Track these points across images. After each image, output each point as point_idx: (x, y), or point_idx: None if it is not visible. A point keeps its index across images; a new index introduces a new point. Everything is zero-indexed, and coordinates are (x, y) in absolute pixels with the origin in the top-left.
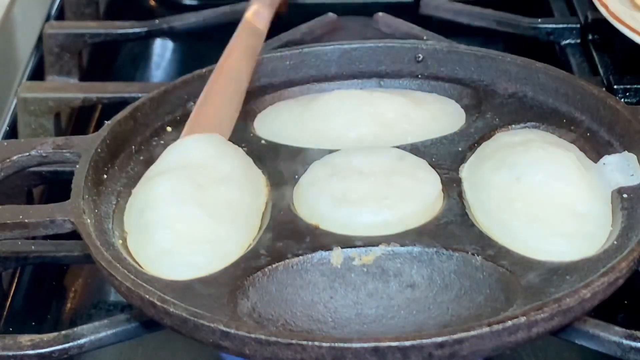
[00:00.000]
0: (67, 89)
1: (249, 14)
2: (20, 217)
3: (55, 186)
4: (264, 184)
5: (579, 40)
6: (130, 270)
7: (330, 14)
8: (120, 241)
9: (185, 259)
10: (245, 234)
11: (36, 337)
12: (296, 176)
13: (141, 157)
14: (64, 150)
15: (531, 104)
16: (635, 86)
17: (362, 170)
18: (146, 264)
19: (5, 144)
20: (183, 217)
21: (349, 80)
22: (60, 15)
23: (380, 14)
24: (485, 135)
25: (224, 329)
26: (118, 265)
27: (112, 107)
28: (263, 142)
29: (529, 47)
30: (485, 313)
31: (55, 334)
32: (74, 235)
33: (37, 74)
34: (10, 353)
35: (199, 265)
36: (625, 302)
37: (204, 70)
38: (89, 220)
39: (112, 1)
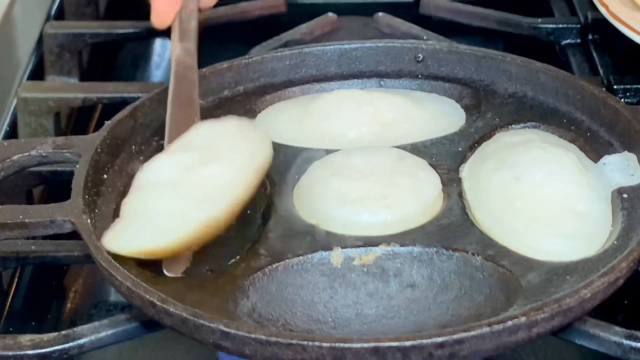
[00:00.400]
0: (67, 89)
1: (177, 56)
2: (20, 217)
3: (55, 186)
4: (264, 146)
5: (579, 40)
6: (130, 269)
7: (330, 14)
8: None
9: (156, 222)
10: (235, 196)
11: (36, 337)
12: (296, 176)
13: (141, 157)
14: (64, 150)
15: (531, 104)
16: (635, 86)
17: (362, 170)
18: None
19: (5, 144)
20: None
21: (349, 80)
22: (60, 15)
23: (380, 14)
24: (485, 135)
25: (224, 329)
26: (118, 265)
27: (112, 107)
28: None
29: (529, 47)
30: (485, 313)
31: (55, 334)
32: (74, 235)
33: (37, 74)
34: (11, 353)
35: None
36: (626, 302)
37: (204, 70)
38: (89, 220)
39: (112, 1)
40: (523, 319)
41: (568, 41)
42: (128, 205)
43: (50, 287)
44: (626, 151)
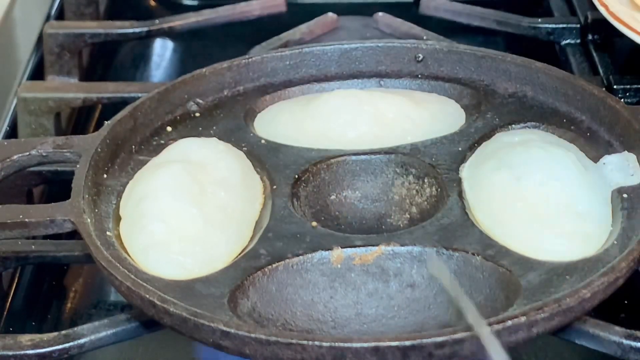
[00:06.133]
0: (67, 88)
1: None
2: (20, 216)
3: (55, 186)
4: (260, 191)
5: (579, 40)
6: (130, 269)
7: (330, 14)
8: (116, 232)
9: (174, 256)
10: (235, 243)
11: (36, 337)
12: (296, 176)
13: (141, 157)
14: (64, 150)
15: (531, 104)
16: (635, 86)
17: None
18: (134, 253)
19: (5, 143)
20: (180, 214)
21: (349, 80)
22: (60, 15)
23: (380, 14)
24: (485, 135)
25: (224, 328)
26: (118, 265)
27: (112, 107)
28: (263, 142)
29: (529, 47)
30: (485, 313)
31: (55, 333)
32: (74, 235)
33: (37, 73)
34: (11, 353)
35: (186, 267)
36: (626, 302)
37: (204, 70)
38: (89, 220)
39: (112, 1)
40: (523, 319)
41: (568, 41)
42: (157, 217)
43: (50, 287)
44: (626, 151)
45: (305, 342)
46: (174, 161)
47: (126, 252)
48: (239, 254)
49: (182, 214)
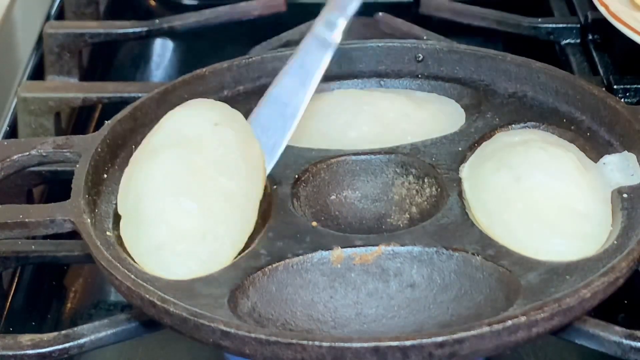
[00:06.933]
0: (67, 88)
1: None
2: (21, 216)
3: (55, 186)
4: (262, 160)
5: (579, 40)
6: (130, 269)
7: None
8: (116, 232)
9: (174, 256)
10: (241, 232)
11: (36, 337)
12: (296, 176)
13: None
14: (64, 150)
15: (531, 103)
16: (635, 86)
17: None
18: (134, 253)
19: (6, 143)
20: (180, 213)
21: (349, 80)
22: (60, 15)
23: (380, 14)
24: (485, 135)
25: (224, 328)
26: (118, 264)
27: (112, 106)
28: None
29: (529, 47)
30: (485, 313)
31: (55, 333)
32: (74, 235)
33: (37, 73)
34: (11, 353)
35: (186, 267)
36: (626, 302)
37: (204, 70)
38: (89, 220)
39: (112, 1)
40: (523, 319)
41: (568, 41)
42: (152, 217)
43: (50, 287)
44: (626, 151)
45: (305, 342)
46: (168, 146)
47: (126, 252)
48: (239, 254)
49: (181, 213)
